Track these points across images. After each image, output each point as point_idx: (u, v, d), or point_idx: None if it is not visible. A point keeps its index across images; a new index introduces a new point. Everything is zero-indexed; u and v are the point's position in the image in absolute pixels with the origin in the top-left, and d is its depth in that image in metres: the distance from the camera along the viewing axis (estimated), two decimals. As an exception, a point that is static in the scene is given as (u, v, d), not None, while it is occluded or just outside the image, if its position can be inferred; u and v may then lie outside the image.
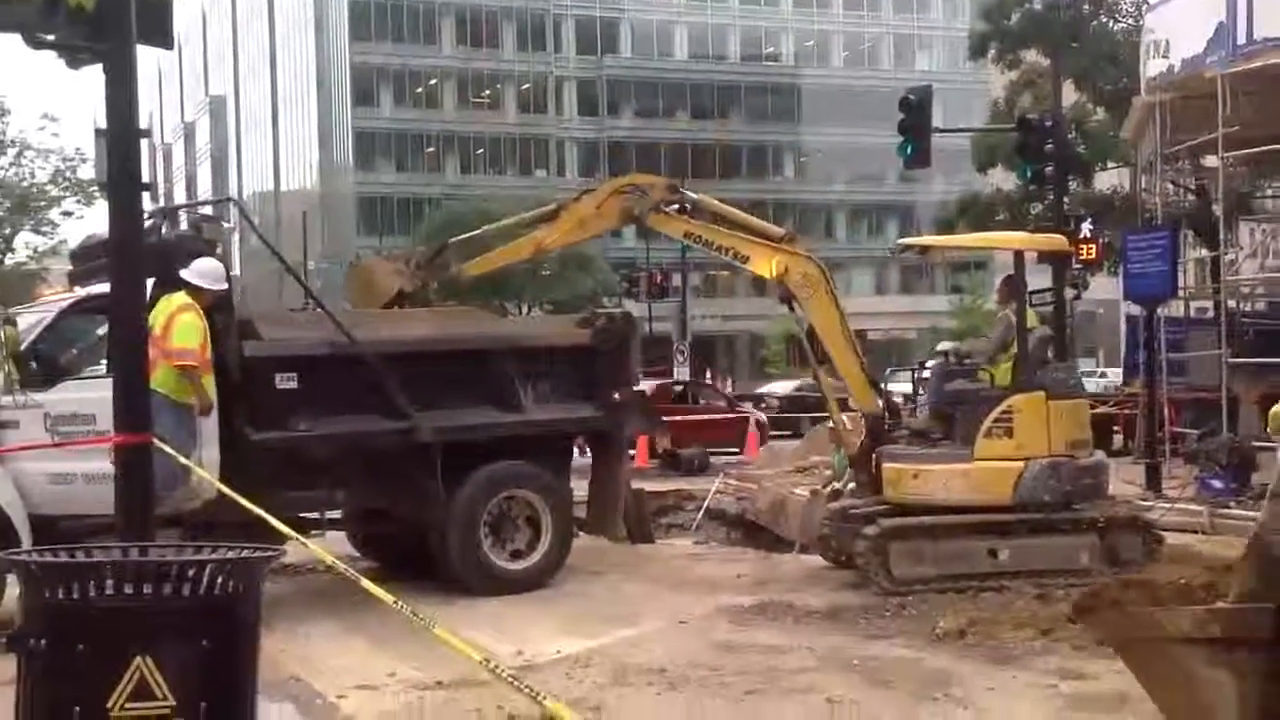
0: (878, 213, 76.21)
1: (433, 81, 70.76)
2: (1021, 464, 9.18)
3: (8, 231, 41.14)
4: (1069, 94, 29.35)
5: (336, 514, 9.78)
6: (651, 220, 10.64)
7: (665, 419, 21.79)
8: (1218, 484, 13.05)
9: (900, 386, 17.62)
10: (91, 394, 7.58)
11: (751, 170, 73.50)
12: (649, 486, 13.55)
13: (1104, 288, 34.85)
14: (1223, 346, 15.97)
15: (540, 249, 11.09)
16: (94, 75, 5.71)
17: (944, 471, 9.28)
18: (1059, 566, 9.03)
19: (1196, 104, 15.99)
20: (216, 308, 8.60)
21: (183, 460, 7.34)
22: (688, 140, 71.32)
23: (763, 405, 29.67)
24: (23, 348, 8.33)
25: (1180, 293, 17.90)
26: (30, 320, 8.79)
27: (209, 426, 8.34)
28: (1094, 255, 23.72)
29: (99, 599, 3.38)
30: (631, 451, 14.71)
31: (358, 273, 11.46)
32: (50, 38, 5.67)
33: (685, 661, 7.15)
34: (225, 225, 13.28)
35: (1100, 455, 10.29)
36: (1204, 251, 20.87)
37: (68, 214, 39.91)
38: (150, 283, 7.21)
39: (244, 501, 6.05)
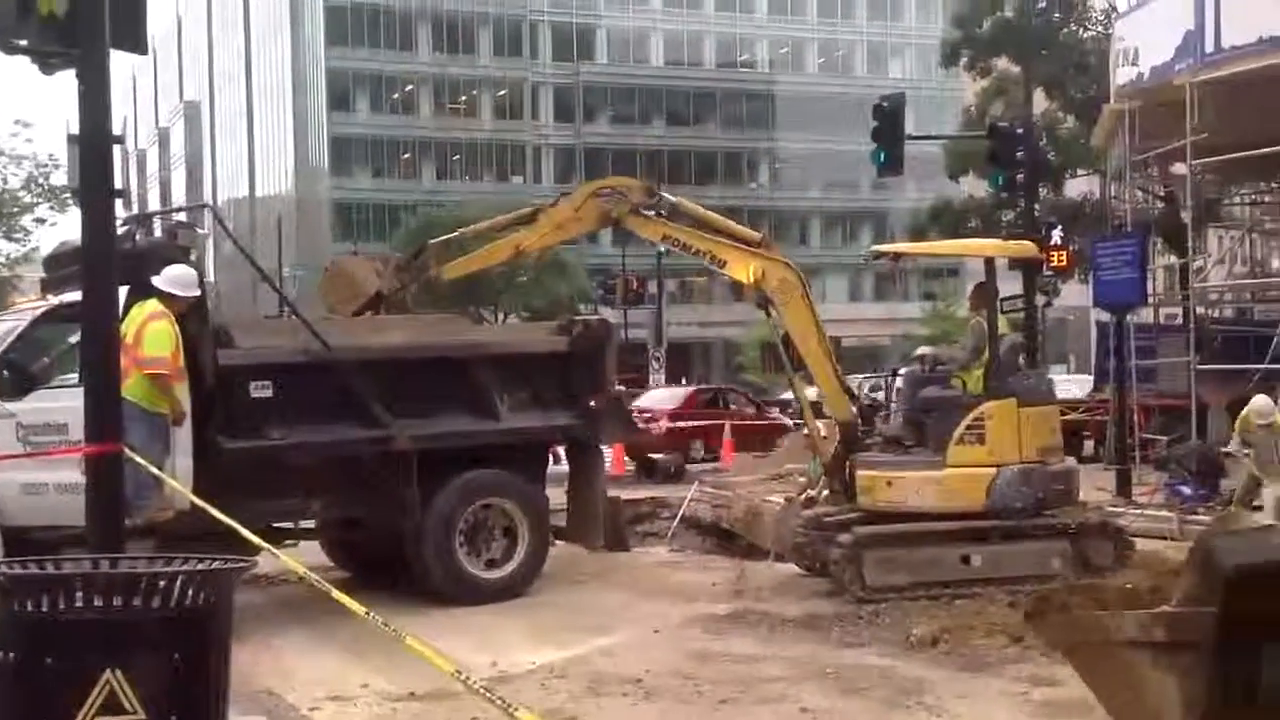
0: (852, 219, 76.46)
1: (409, 87, 70.54)
2: (994, 470, 9.25)
3: (-20, 239, 40.75)
4: (1040, 101, 29.63)
5: (310, 523, 9.72)
6: (629, 223, 10.58)
7: (699, 424, 22.02)
8: (1187, 490, 13.20)
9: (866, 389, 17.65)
10: (64, 403, 7.51)
11: (727, 176, 73.58)
12: (624, 494, 13.54)
13: (1075, 294, 35.11)
14: (1191, 353, 16.12)
15: (519, 251, 11.01)
16: (68, 81, 5.63)
17: (917, 478, 9.34)
18: (1031, 573, 9.07)
19: (1165, 111, 16.15)
20: (190, 315, 8.53)
21: (154, 470, 7.29)
22: (663, 146, 71.43)
23: (789, 410, 29.55)
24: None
25: (1149, 299, 18.07)
26: (2, 328, 8.73)
27: (182, 435, 8.29)
28: (1065, 262, 23.89)
29: (68, 611, 3.36)
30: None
31: (334, 273, 11.20)
32: (23, 43, 5.64)
33: (660, 670, 7.16)
34: (200, 232, 13.21)
35: (1071, 461, 10.37)
36: (1173, 258, 21.05)
37: (41, 221, 39.55)
38: (123, 290, 7.20)
39: (216, 512, 6.01)
